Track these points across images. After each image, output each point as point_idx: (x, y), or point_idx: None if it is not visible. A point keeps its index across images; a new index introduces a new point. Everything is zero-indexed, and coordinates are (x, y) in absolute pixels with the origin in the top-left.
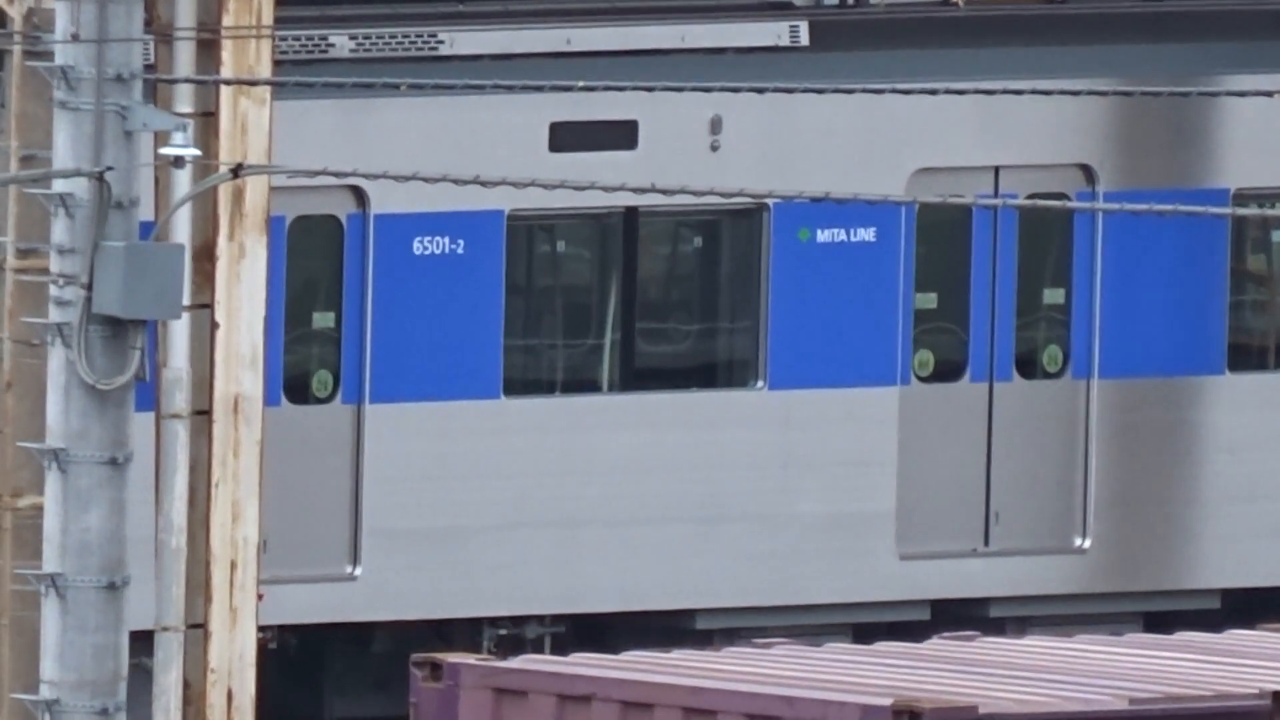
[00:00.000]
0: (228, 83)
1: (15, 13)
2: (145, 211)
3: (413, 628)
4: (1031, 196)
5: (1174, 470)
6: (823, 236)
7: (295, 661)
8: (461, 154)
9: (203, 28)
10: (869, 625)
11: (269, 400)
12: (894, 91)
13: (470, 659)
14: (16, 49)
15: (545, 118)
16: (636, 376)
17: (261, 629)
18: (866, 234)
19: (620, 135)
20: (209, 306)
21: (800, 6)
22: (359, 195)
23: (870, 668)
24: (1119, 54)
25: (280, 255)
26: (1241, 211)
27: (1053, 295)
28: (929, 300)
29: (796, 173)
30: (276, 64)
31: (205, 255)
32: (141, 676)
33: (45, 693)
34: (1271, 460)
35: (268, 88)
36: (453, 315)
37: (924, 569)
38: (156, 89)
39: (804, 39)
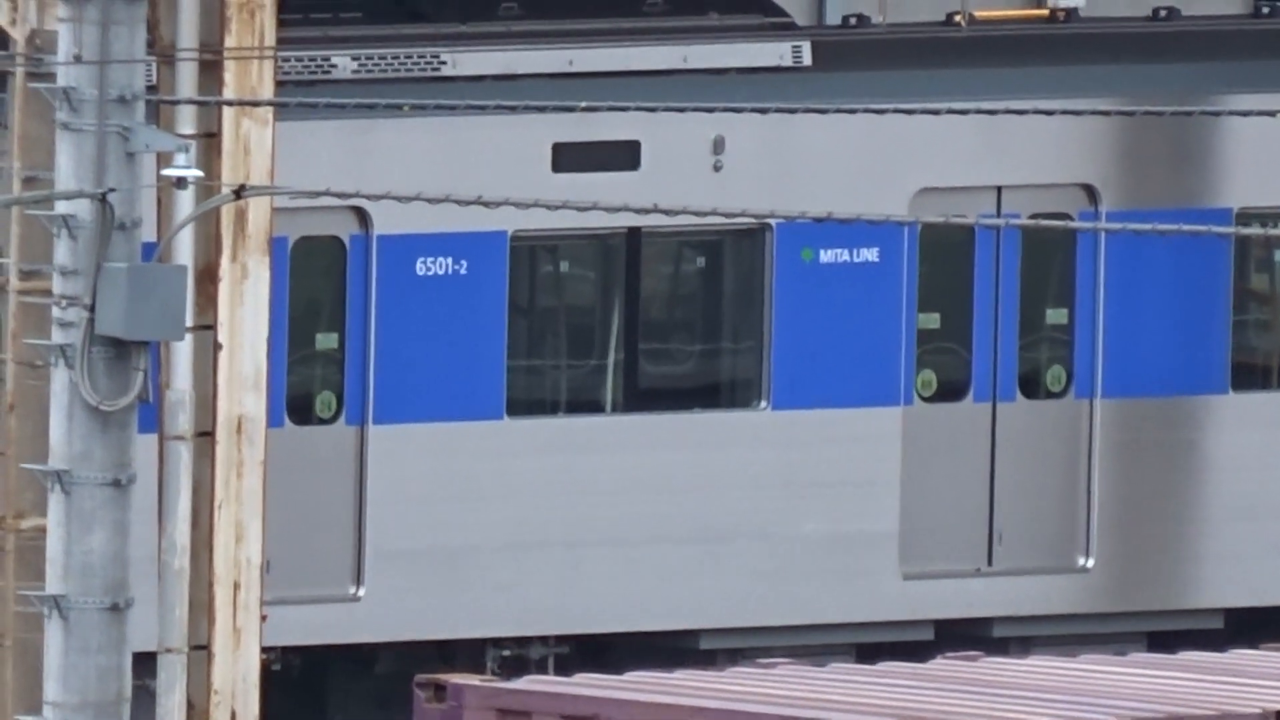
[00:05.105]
0: (230, 104)
1: (18, 34)
2: (147, 232)
3: (416, 648)
4: (1034, 216)
5: (1177, 490)
6: (826, 257)
7: (299, 682)
8: (464, 174)
9: (205, 49)
10: (872, 645)
11: (272, 421)
12: (896, 111)
13: (474, 680)
14: (19, 70)
15: (548, 138)
16: (640, 397)
17: (265, 650)
18: (869, 254)
19: (623, 156)
20: (212, 328)
21: (803, 27)
22: (362, 216)
23: (874, 688)
24: (1122, 73)
25: (283, 276)
26: (1244, 231)
27: (1056, 315)
28: (932, 320)
29: (799, 193)
30: (279, 85)
31: (208, 276)
32: (145, 698)
33: (49, 714)
34: (1275, 479)
35: (270, 108)
36: (456, 336)
37: (927, 589)
38: (159, 110)
39: (806, 59)
